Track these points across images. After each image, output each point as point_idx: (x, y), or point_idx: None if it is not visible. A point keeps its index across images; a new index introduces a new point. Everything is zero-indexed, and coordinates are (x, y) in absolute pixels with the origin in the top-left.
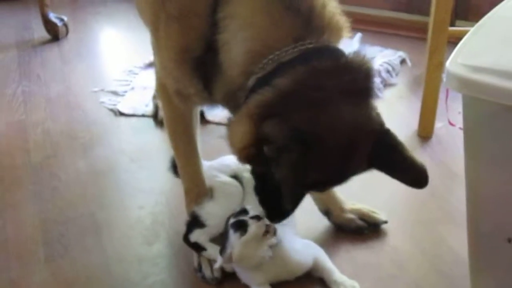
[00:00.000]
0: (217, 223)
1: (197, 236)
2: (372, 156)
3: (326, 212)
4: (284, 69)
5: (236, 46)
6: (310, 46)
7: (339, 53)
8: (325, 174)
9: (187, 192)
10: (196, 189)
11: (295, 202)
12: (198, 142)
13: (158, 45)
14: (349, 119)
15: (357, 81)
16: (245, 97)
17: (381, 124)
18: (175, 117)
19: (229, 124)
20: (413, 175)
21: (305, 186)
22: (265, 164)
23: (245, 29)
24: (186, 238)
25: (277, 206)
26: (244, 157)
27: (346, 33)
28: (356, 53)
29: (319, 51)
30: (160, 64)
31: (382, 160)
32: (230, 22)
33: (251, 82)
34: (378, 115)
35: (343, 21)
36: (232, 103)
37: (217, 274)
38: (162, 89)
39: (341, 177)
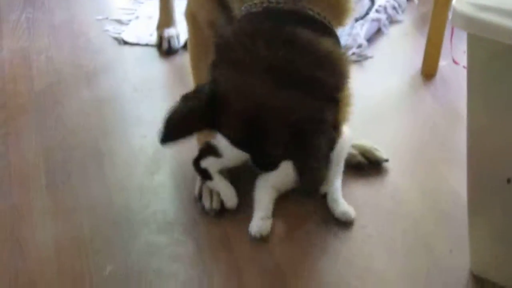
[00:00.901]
0: (234, 155)
1: (209, 163)
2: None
3: None
4: (241, 20)
5: None
6: (277, 6)
7: (295, 22)
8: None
9: None
10: None
11: None
12: None
13: None
14: (259, 97)
15: (292, 63)
16: None
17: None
18: (201, 45)
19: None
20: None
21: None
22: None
23: None
24: (196, 163)
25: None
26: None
27: (342, 14)
28: (325, 39)
29: (278, 14)
30: None
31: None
32: None
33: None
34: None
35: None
36: None
37: (216, 205)
38: (191, 18)
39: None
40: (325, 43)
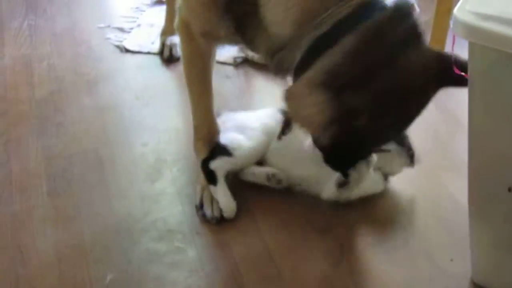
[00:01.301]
0: (245, 155)
1: (219, 164)
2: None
3: None
4: (345, 27)
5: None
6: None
7: (386, 3)
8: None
9: (197, 129)
10: (206, 127)
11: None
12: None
13: None
14: (415, 68)
15: (412, 26)
16: (302, 59)
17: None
18: (193, 56)
19: (288, 95)
20: None
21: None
22: (351, 135)
23: None
24: (205, 163)
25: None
26: (330, 135)
27: None
28: None
29: (369, 3)
30: (187, 5)
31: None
32: None
33: (306, 41)
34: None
35: None
36: (279, 62)
37: (217, 213)
38: (184, 28)
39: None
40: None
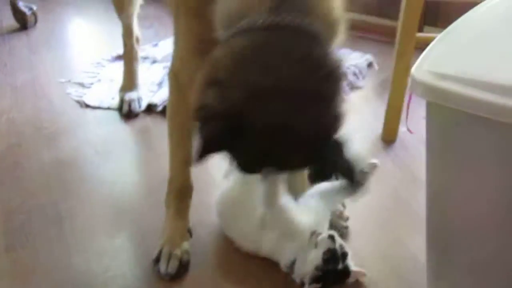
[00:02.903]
0: None
1: None
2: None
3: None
4: (248, 36)
5: (221, 6)
6: (284, 22)
7: (311, 42)
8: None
9: (170, 182)
10: (179, 180)
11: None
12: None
13: (177, 35)
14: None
15: (317, 81)
16: None
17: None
18: (179, 105)
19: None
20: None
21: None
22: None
23: None
24: None
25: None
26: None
27: (340, 33)
28: (332, 53)
29: (285, 28)
30: (178, 54)
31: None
32: None
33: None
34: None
35: (341, 20)
36: None
37: (171, 270)
38: (173, 77)
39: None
40: (332, 57)
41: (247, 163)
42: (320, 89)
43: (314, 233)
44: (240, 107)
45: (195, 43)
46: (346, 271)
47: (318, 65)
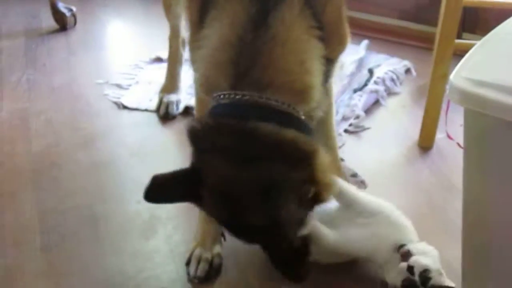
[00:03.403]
0: None
1: None
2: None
3: None
4: (212, 111)
5: (198, 70)
6: (242, 98)
7: (259, 115)
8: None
9: None
10: None
11: None
12: None
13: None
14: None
15: (252, 149)
16: None
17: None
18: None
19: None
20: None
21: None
22: None
23: (205, 59)
24: None
25: None
26: None
27: (303, 97)
28: (277, 126)
29: (243, 107)
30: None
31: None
32: (203, 43)
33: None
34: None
35: (303, 84)
36: None
37: (200, 273)
38: (197, 85)
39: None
40: (287, 133)
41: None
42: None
43: (400, 247)
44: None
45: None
46: None
47: (266, 142)
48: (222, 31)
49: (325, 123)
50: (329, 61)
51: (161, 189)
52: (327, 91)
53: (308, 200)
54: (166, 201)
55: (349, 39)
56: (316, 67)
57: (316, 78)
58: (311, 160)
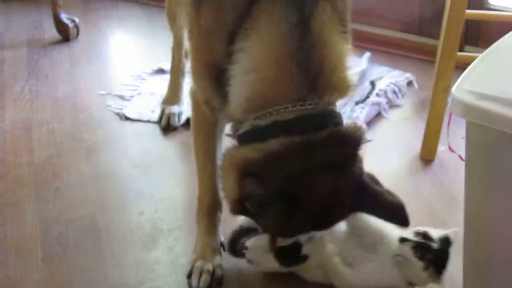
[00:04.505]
0: None
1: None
2: (356, 205)
3: None
4: (279, 130)
5: (240, 85)
6: (309, 108)
7: (335, 121)
8: (304, 226)
9: (199, 199)
10: (207, 197)
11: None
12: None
13: (190, 55)
14: (330, 185)
15: (346, 151)
16: (236, 137)
17: (361, 181)
18: (199, 123)
19: (221, 166)
20: (394, 216)
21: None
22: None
23: (252, 72)
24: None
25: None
26: (233, 210)
27: (350, 91)
28: (353, 123)
29: (317, 116)
30: (192, 73)
31: (367, 207)
32: (243, 57)
33: (245, 126)
34: (359, 170)
35: (349, 80)
36: (232, 130)
37: (202, 285)
38: (193, 94)
39: (321, 226)
40: (354, 130)
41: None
42: (346, 163)
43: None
44: (289, 189)
45: (202, 65)
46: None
47: (343, 143)
48: (268, 47)
49: None
50: None
51: None
52: None
53: None
54: None
55: None
56: (349, 62)
57: (351, 72)
58: None
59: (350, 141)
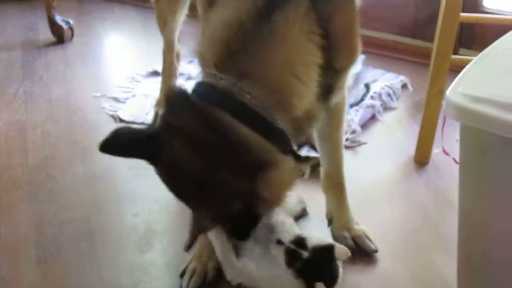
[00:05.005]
0: None
1: None
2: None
3: (330, 220)
4: (194, 88)
5: (201, 44)
6: (220, 81)
7: (227, 105)
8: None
9: None
10: None
11: None
12: None
13: None
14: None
15: (208, 138)
16: None
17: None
18: None
19: None
20: None
21: None
22: None
23: (208, 34)
24: None
25: None
26: None
27: (281, 98)
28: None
29: (217, 90)
30: None
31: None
32: (209, 20)
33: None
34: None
35: (285, 84)
36: None
37: (192, 285)
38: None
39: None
40: (244, 133)
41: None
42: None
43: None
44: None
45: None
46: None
47: (216, 133)
48: (226, 14)
49: (331, 138)
50: (335, 73)
51: (120, 143)
52: (336, 105)
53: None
54: (121, 154)
55: (359, 53)
56: (307, 74)
57: (304, 85)
58: (261, 171)
59: (223, 134)
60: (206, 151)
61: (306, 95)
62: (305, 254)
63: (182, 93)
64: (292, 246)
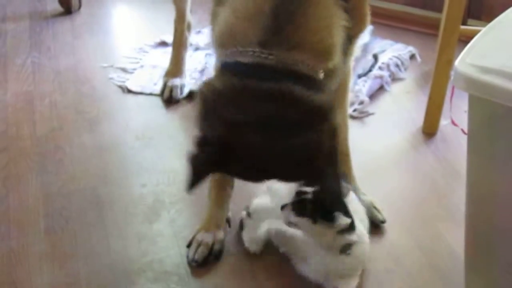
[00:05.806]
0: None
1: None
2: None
3: None
4: (228, 69)
5: (220, 22)
6: (266, 58)
7: (295, 80)
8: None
9: None
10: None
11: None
12: None
13: None
14: (260, 141)
15: (288, 113)
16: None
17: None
18: None
19: None
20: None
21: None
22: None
23: (230, 10)
24: None
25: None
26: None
27: (328, 60)
28: (299, 86)
29: (269, 68)
30: None
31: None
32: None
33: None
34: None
35: (329, 46)
36: None
37: (198, 257)
38: None
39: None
40: (316, 98)
41: (243, 176)
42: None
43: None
44: (223, 136)
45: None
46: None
47: (295, 105)
48: None
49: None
50: (348, 39)
51: (199, 175)
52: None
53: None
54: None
55: (369, 19)
56: (338, 34)
57: (338, 44)
58: (335, 131)
59: (300, 105)
60: (297, 129)
61: (338, 51)
62: (309, 195)
63: (235, 84)
64: (295, 198)
